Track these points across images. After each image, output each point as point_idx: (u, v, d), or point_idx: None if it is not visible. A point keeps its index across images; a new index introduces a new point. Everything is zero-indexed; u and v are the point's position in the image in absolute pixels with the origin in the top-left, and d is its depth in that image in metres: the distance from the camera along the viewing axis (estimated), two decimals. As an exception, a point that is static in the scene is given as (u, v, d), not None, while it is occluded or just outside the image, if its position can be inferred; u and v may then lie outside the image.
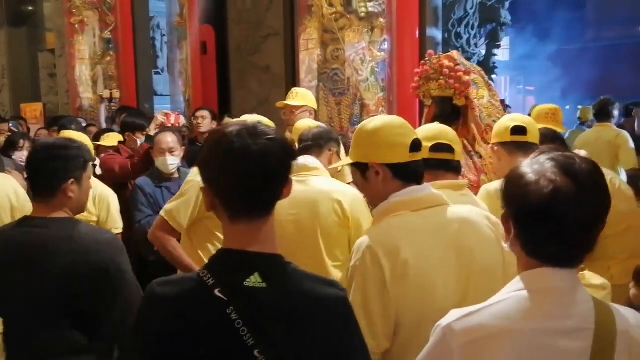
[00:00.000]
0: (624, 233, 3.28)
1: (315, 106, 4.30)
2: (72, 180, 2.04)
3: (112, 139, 4.78)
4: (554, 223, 1.24)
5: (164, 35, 9.35)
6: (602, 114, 5.52)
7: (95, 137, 4.98)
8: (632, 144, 5.29)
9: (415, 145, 1.87)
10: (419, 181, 1.89)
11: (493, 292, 1.37)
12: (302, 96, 4.25)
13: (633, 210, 3.40)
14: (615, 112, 5.54)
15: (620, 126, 6.73)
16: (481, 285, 1.76)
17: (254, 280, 1.29)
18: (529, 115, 4.09)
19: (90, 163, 2.17)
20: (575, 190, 1.23)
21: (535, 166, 1.28)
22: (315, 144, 2.89)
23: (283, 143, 1.36)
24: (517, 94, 15.33)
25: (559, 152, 1.31)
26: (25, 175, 2.63)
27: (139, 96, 8.13)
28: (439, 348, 1.32)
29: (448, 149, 2.30)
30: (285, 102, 4.22)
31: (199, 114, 5.37)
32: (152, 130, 4.34)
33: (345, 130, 5.05)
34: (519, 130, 2.72)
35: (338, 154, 3.03)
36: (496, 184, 2.76)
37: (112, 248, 2.03)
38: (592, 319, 1.27)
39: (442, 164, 2.29)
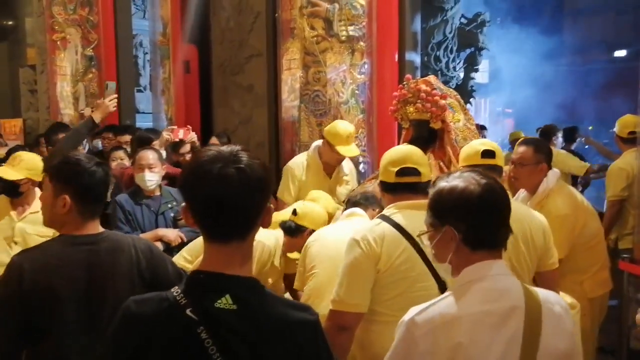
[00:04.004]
0: (595, 247, 3.43)
1: None
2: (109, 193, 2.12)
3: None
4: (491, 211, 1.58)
5: (147, 53, 9.36)
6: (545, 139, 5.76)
7: None
8: (570, 155, 5.58)
9: None
10: None
11: None
12: None
13: (601, 228, 3.58)
14: (558, 139, 5.78)
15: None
16: None
17: (225, 302, 1.33)
18: (509, 139, 4.26)
19: None
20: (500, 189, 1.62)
21: (457, 179, 1.62)
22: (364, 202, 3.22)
23: (255, 172, 1.35)
24: (496, 116, 15.56)
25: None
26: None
27: (121, 113, 8.11)
28: (405, 340, 1.56)
29: (414, 172, 2.39)
30: (355, 152, 4.21)
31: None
32: (157, 146, 4.37)
33: (326, 150, 5.11)
34: (488, 153, 2.84)
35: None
36: None
37: (163, 255, 2.12)
38: (522, 298, 1.54)
39: (408, 187, 2.38)
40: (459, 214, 1.57)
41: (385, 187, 2.47)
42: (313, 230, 3.24)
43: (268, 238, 3.14)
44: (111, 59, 8.14)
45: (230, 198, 1.33)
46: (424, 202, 2.39)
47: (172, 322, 1.33)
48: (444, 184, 1.62)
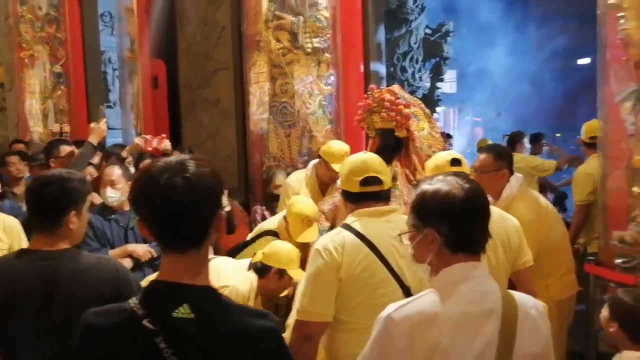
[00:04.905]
0: (559, 252, 3.49)
1: None
2: (74, 212, 2.05)
3: None
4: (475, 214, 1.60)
5: (116, 69, 9.32)
6: (510, 145, 5.91)
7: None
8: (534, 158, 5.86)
9: None
10: None
11: None
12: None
13: (565, 232, 3.63)
14: (526, 144, 5.96)
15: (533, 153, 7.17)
16: None
17: (183, 311, 1.33)
18: (477, 146, 4.33)
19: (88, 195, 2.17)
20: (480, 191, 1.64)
21: (440, 182, 1.60)
22: None
23: (203, 180, 1.36)
24: (465, 125, 15.76)
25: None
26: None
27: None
28: (382, 337, 1.53)
29: (376, 181, 2.43)
30: None
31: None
32: (126, 152, 4.34)
33: (295, 161, 5.14)
34: (456, 161, 2.93)
35: None
36: None
37: (130, 276, 2.10)
38: (500, 301, 1.54)
39: (372, 196, 2.42)
40: (442, 216, 1.56)
41: (349, 196, 2.49)
42: (280, 269, 3.18)
43: (243, 283, 3.09)
44: (80, 76, 8.06)
45: (178, 208, 1.34)
46: (383, 209, 2.45)
47: (131, 332, 1.34)
48: (427, 186, 1.61)
